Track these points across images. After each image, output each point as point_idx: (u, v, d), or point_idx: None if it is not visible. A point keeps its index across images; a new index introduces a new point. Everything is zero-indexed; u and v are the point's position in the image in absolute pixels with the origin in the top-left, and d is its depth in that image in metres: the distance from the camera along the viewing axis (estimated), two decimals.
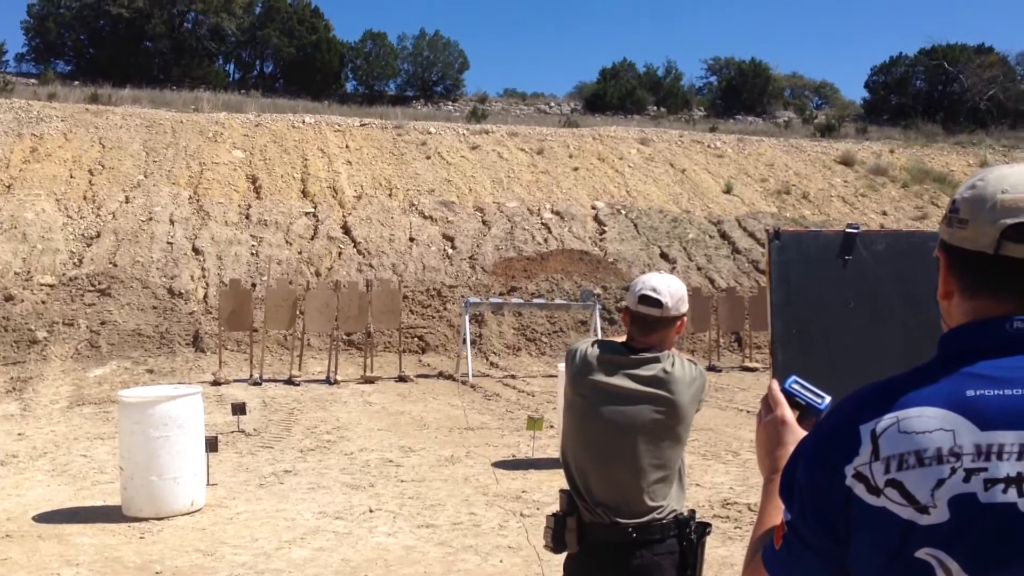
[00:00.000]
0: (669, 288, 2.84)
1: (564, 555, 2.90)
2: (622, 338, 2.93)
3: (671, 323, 2.85)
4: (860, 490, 1.16)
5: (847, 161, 27.26)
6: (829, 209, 24.16)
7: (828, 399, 1.50)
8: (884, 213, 24.22)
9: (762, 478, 1.48)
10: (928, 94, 40.08)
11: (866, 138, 31.17)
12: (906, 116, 35.69)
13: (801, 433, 1.45)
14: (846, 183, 26.06)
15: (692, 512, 2.83)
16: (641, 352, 2.81)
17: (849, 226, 3.24)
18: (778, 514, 1.31)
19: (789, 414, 1.48)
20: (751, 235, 21.87)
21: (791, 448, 1.41)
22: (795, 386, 1.52)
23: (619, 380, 2.77)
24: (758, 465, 1.51)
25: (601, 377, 2.80)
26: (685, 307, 2.88)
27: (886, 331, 3.19)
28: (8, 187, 19.24)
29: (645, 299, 2.81)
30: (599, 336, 15.78)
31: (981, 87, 38.47)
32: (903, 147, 29.72)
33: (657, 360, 2.78)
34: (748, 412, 11.87)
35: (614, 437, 2.75)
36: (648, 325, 2.83)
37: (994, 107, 37.52)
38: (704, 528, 2.79)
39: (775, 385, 1.52)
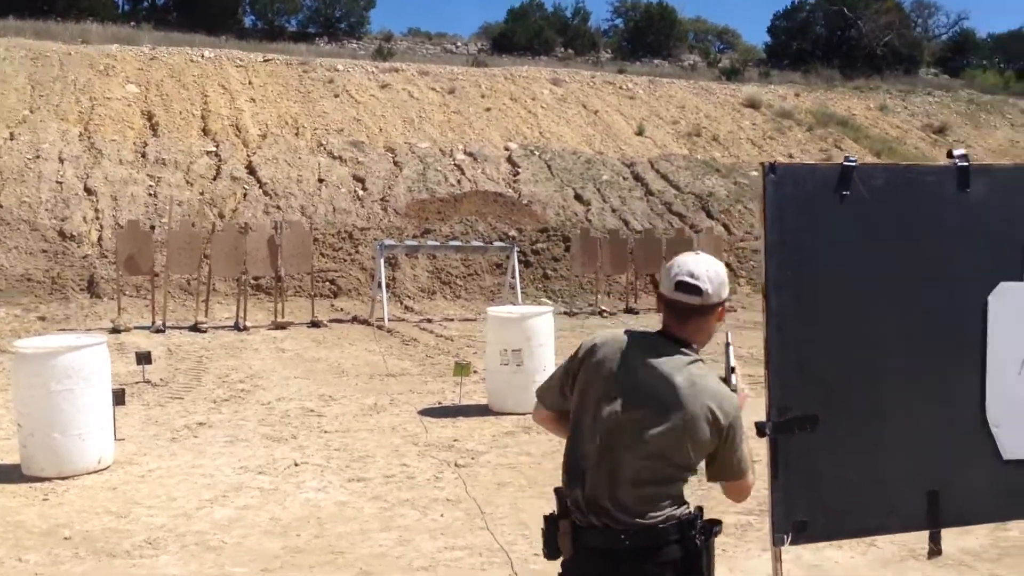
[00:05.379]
0: (708, 272, 2.49)
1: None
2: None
3: (711, 311, 2.51)
4: None
5: (754, 104, 27.45)
6: (739, 151, 24.31)
7: None
8: (791, 156, 24.47)
9: None
10: (828, 40, 40.67)
11: (769, 82, 31.47)
12: (806, 61, 36.13)
13: None
14: (754, 126, 26.25)
15: (699, 510, 2.49)
16: (673, 344, 2.50)
17: (846, 159, 3.02)
18: None
19: None
20: (664, 177, 21.84)
21: None
22: None
23: (633, 375, 2.46)
24: None
25: (613, 370, 2.49)
26: (726, 292, 2.54)
27: (887, 270, 2.99)
28: None
29: (682, 286, 2.47)
30: (516, 279, 15.56)
31: (878, 33, 39.26)
32: (807, 91, 30.10)
33: (683, 354, 2.47)
34: None
35: (614, 435, 2.44)
36: (685, 313, 2.50)
37: (889, 53, 38.36)
38: (711, 528, 2.48)
39: None
